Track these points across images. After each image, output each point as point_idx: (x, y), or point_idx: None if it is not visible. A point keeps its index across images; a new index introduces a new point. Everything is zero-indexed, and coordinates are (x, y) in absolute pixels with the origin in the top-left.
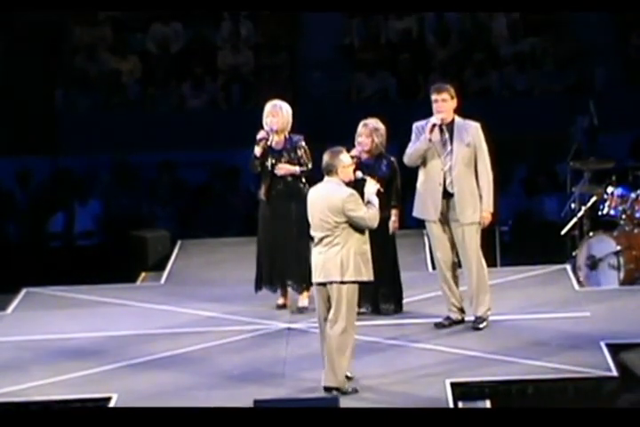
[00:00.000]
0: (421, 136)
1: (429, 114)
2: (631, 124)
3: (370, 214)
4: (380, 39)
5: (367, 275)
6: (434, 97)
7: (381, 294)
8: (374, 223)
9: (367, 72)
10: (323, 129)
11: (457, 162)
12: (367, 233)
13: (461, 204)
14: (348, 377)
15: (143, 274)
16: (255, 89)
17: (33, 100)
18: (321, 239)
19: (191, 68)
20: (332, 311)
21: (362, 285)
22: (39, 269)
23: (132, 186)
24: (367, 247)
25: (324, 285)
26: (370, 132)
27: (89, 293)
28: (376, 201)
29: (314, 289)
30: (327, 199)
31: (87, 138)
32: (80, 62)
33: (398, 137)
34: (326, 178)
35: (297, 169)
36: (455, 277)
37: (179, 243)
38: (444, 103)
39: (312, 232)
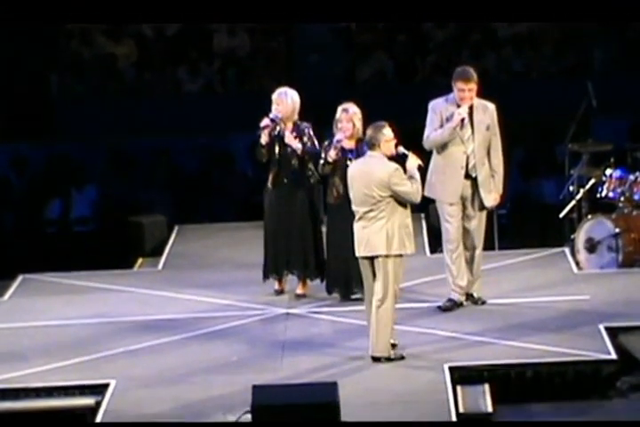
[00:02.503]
0: (444, 120)
1: (427, 96)
2: (630, 107)
3: (414, 189)
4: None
5: (411, 248)
6: (460, 86)
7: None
8: (418, 197)
9: (364, 55)
10: (319, 112)
11: (478, 145)
12: (409, 207)
13: (484, 187)
14: (392, 344)
15: (140, 260)
16: (251, 72)
17: (28, 86)
18: (364, 214)
19: (187, 52)
20: (378, 284)
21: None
22: (36, 256)
23: (128, 171)
24: (409, 221)
25: (369, 258)
26: (350, 117)
27: (86, 279)
28: (418, 176)
29: (360, 263)
30: (371, 174)
31: (83, 123)
32: (75, 47)
33: (396, 119)
34: (368, 152)
35: (300, 145)
36: (461, 258)
37: (176, 228)
38: (470, 93)
39: (354, 207)
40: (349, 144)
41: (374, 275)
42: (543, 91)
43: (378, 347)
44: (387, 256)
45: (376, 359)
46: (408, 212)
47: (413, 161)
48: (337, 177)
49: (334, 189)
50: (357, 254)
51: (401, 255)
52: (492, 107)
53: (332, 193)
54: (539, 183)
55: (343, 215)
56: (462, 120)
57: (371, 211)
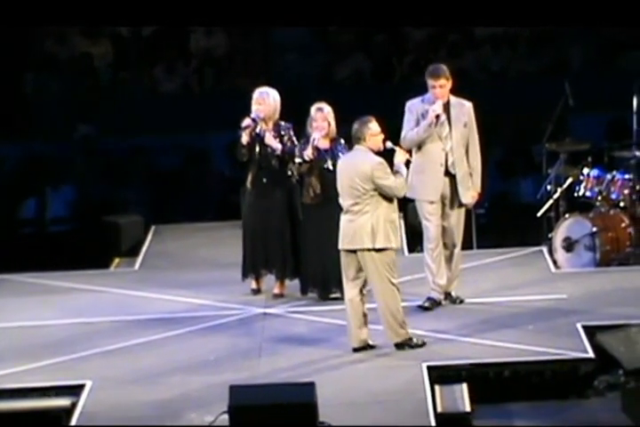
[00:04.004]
0: (420, 119)
1: (404, 96)
2: (607, 106)
3: (397, 183)
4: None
5: (396, 242)
6: (431, 82)
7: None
8: (401, 193)
9: (342, 55)
10: (296, 112)
11: (457, 142)
12: (396, 201)
13: (463, 184)
14: (370, 346)
15: (117, 260)
16: (229, 72)
17: (3, 85)
18: (350, 207)
19: (163, 52)
20: (368, 278)
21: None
22: (11, 256)
23: (104, 171)
24: (396, 215)
25: (353, 251)
26: (325, 116)
27: (62, 279)
28: (404, 171)
29: (342, 255)
30: (356, 166)
31: (59, 123)
32: (51, 46)
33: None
34: (355, 146)
35: (279, 145)
36: (441, 257)
37: (152, 228)
38: (442, 89)
39: (340, 200)
40: (324, 144)
41: (357, 269)
42: (520, 90)
43: (392, 335)
44: (371, 250)
45: (399, 346)
46: (394, 206)
47: (401, 156)
48: (313, 177)
49: (311, 189)
50: (341, 247)
51: (386, 249)
52: (468, 104)
53: (307, 193)
54: (516, 182)
55: (319, 216)
56: (437, 117)
57: (356, 204)
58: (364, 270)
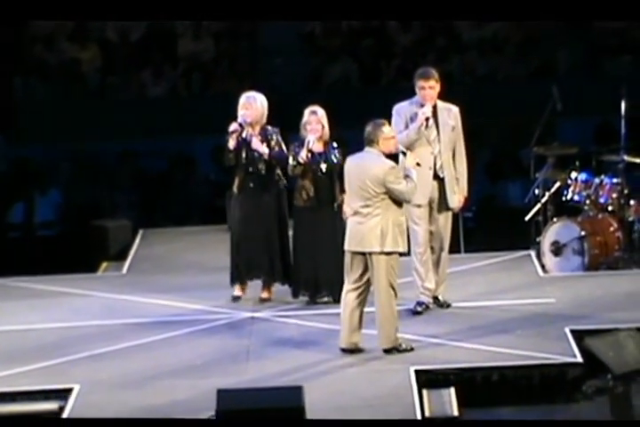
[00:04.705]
0: (409, 122)
1: (392, 100)
2: (595, 110)
3: (409, 188)
4: (341, 25)
5: (403, 246)
6: (421, 84)
7: (336, 281)
8: (412, 197)
9: (329, 58)
10: (284, 116)
11: (444, 146)
12: (404, 205)
13: (450, 188)
14: (359, 349)
15: (105, 264)
16: (216, 77)
17: None
18: (360, 209)
19: (151, 56)
20: (374, 280)
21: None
22: None
23: (92, 175)
24: (404, 219)
25: (360, 253)
26: (319, 119)
27: (50, 283)
28: (415, 175)
29: (346, 256)
30: (367, 169)
31: (47, 127)
32: (39, 51)
33: (360, 123)
34: (366, 148)
35: (266, 150)
36: (429, 261)
37: (140, 232)
38: (431, 91)
39: (349, 201)
40: (318, 147)
41: (362, 271)
42: (508, 94)
43: (384, 340)
44: (380, 253)
45: (387, 351)
46: (402, 210)
47: (411, 160)
48: (307, 179)
49: (304, 192)
50: (347, 248)
51: (394, 253)
52: (455, 109)
53: (300, 196)
54: (504, 186)
55: (311, 219)
56: (427, 119)
57: (366, 206)
58: (369, 272)
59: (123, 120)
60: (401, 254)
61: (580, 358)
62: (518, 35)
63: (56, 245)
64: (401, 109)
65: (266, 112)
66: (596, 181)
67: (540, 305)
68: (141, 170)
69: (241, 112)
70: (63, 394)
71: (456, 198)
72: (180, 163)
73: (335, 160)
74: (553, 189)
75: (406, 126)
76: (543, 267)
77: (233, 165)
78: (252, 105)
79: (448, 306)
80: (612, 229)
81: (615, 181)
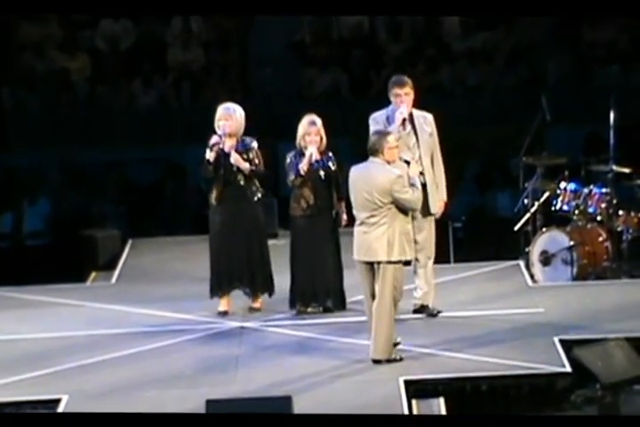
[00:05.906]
0: (387, 126)
1: (381, 109)
2: (583, 120)
3: (415, 197)
4: (331, 35)
5: (410, 254)
6: (396, 91)
7: (332, 290)
8: (418, 206)
9: (319, 68)
10: (274, 126)
11: (424, 152)
12: (410, 214)
13: (431, 193)
14: (395, 343)
15: (94, 274)
16: (206, 86)
17: None
18: (366, 219)
19: (141, 66)
20: (378, 289)
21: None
22: None
23: (81, 185)
24: (410, 227)
25: (369, 263)
26: (318, 129)
27: (39, 293)
28: (419, 183)
29: (357, 266)
30: (373, 180)
31: (36, 137)
32: (28, 61)
33: (350, 133)
34: (370, 158)
35: (247, 165)
36: (417, 270)
37: (129, 242)
38: (407, 97)
39: (355, 212)
40: (316, 155)
41: (372, 282)
42: (497, 104)
43: (377, 349)
44: (387, 262)
45: (376, 362)
46: (409, 218)
47: (415, 168)
48: (307, 188)
49: (302, 201)
50: (356, 258)
51: (401, 261)
52: (429, 117)
53: (299, 205)
54: (494, 196)
55: (310, 228)
56: (404, 121)
57: (372, 216)
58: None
59: (112, 130)
60: (405, 263)
61: (568, 368)
62: (508, 45)
63: (45, 255)
64: (378, 117)
65: (244, 123)
66: (585, 191)
67: (529, 315)
68: (131, 179)
69: (220, 123)
70: (51, 405)
71: (437, 204)
72: (170, 172)
73: (332, 167)
74: (542, 199)
75: None
76: (532, 277)
77: (211, 177)
78: (232, 116)
79: (438, 313)
80: (600, 239)
81: (604, 191)
